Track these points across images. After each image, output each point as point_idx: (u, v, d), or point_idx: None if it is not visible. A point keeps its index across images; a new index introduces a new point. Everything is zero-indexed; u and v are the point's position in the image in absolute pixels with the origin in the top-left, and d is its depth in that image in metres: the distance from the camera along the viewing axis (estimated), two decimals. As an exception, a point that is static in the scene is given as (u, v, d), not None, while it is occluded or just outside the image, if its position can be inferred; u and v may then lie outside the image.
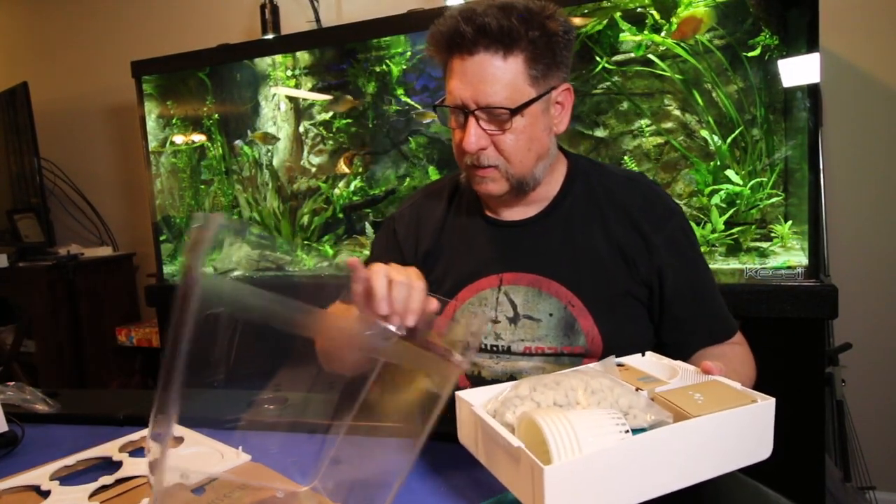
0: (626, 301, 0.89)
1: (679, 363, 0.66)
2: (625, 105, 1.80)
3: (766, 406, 0.54)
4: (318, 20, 2.26)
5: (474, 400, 0.58)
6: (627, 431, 0.48)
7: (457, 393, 0.59)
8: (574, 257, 0.89)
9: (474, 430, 0.56)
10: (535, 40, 0.79)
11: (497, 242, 0.93)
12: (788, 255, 1.58)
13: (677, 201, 1.72)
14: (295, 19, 2.32)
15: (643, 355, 0.69)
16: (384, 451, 0.55)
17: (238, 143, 2.37)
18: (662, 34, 1.68)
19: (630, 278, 0.89)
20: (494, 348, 0.90)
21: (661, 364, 0.67)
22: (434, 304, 0.65)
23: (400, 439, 0.70)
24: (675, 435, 0.50)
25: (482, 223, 0.95)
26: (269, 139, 2.31)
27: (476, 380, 0.92)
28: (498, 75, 0.79)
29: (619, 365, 0.68)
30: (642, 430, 0.51)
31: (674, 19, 1.65)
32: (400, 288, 0.64)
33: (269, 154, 2.35)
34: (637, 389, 0.58)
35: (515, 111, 0.81)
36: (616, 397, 0.54)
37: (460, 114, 0.83)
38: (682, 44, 1.67)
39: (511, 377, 0.90)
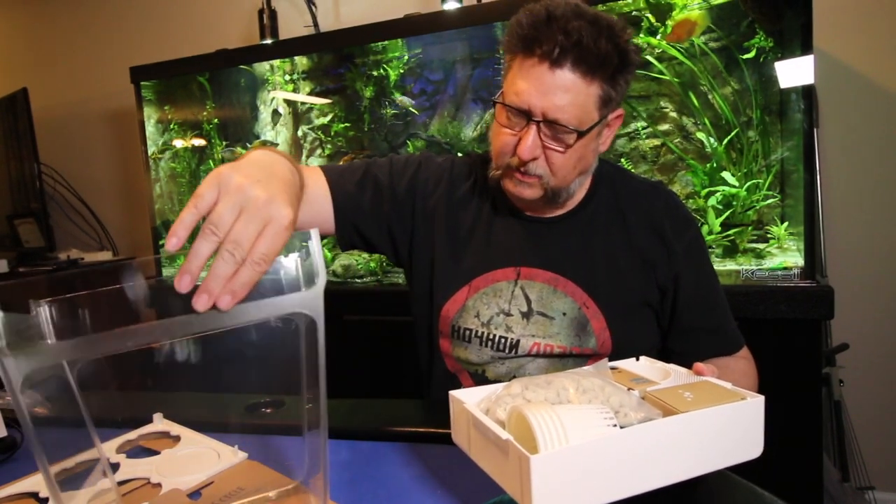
0: (640, 308, 0.90)
1: (672, 366, 0.67)
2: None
3: (755, 403, 0.54)
4: (316, 25, 2.27)
5: (467, 398, 0.59)
6: (615, 426, 0.48)
7: (450, 392, 0.60)
8: (593, 261, 0.90)
9: (466, 427, 0.57)
10: (617, 70, 0.78)
11: (518, 235, 0.93)
12: (785, 256, 1.59)
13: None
14: (293, 24, 2.33)
15: (637, 360, 0.70)
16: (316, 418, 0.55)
17: (226, 152, 2.38)
18: (658, 37, 1.68)
19: (647, 284, 0.89)
20: (503, 340, 0.89)
21: (654, 367, 0.67)
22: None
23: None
24: (662, 429, 0.50)
25: (505, 212, 0.95)
26: (269, 148, 2.32)
27: (480, 379, 0.92)
28: (574, 94, 0.77)
29: (613, 368, 0.68)
30: None
31: (669, 22, 1.66)
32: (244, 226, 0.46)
33: (268, 158, 2.36)
34: (629, 389, 0.58)
35: (582, 134, 0.79)
36: (607, 396, 0.54)
37: (521, 117, 0.80)
38: (678, 46, 1.67)
39: (514, 379, 0.90)
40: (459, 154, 2.01)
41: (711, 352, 0.91)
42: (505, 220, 0.94)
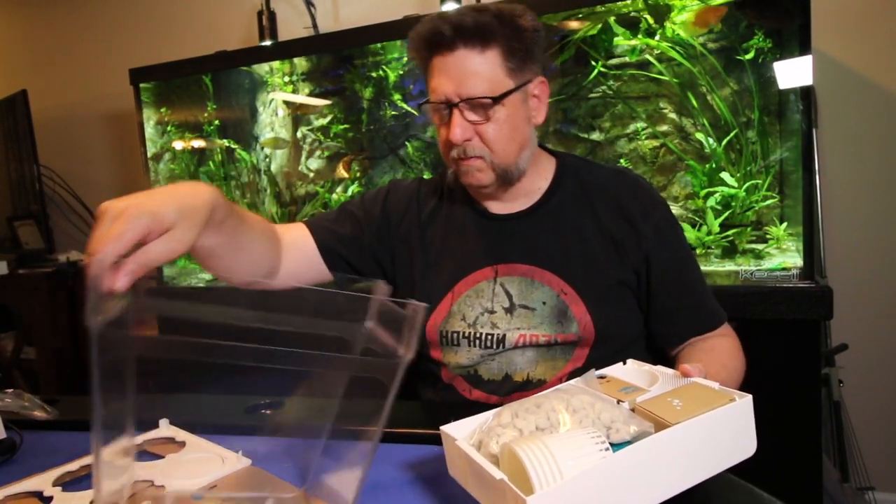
0: (617, 290, 0.92)
1: (659, 368, 0.67)
2: (620, 108, 1.81)
3: (743, 404, 0.54)
4: (315, 26, 2.27)
5: (458, 433, 0.58)
6: (608, 449, 0.48)
7: (441, 428, 0.60)
8: (565, 248, 0.92)
9: (461, 463, 0.56)
10: (509, 35, 0.85)
11: (490, 235, 0.96)
12: (784, 256, 1.59)
13: (671, 202, 1.74)
14: (292, 25, 2.33)
15: (624, 363, 0.70)
16: (364, 451, 0.56)
17: (207, 141, 2.39)
18: (657, 38, 1.69)
19: (620, 267, 0.92)
20: (490, 337, 0.92)
21: (642, 371, 0.67)
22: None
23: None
24: (654, 446, 0.50)
25: (474, 216, 0.98)
26: (281, 143, 2.32)
27: (474, 379, 0.94)
28: (478, 68, 0.84)
29: (601, 377, 0.68)
30: (627, 443, 0.51)
31: (670, 19, 1.66)
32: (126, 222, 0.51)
33: (268, 160, 2.36)
34: (618, 402, 0.58)
35: (497, 100, 0.85)
36: (598, 413, 0.54)
37: (444, 109, 0.87)
38: (677, 48, 1.68)
39: (507, 375, 0.92)
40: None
41: (692, 330, 0.93)
42: (476, 224, 0.97)
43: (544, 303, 0.90)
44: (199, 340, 0.45)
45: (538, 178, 0.96)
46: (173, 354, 0.46)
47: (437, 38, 0.85)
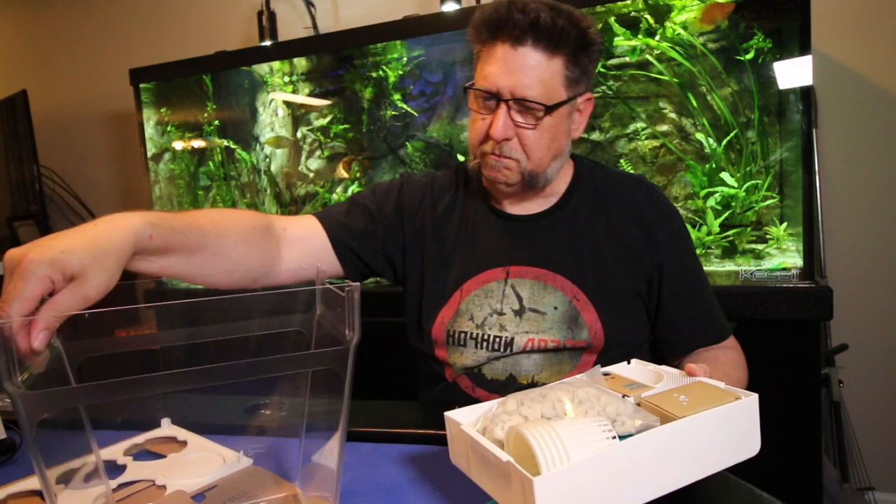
0: (628, 298, 0.92)
1: (664, 368, 0.67)
2: (620, 108, 1.81)
3: (749, 402, 0.54)
4: (315, 27, 2.28)
5: (462, 419, 0.58)
6: (614, 438, 0.48)
7: (445, 414, 0.59)
8: (579, 253, 0.91)
9: (465, 449, 0.56)
10: (577, 46, 0.82)
11: (504, 235, 0.94)
12: (784, 256, 1.59)
13: (673, 204, 1.74)
14: (292, 26, 2.33)
15: (629, 363, 0.70)
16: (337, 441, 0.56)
17: (207, 139, 2.39)
18: (657, 38, 1.69)
19: (633, 275, 0.91)
20: (498, 339, 0.91)
21: (647, 370, 0.68)
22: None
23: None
24: (661, 437, 0.50)
25: (489, 215, 0.96)
26: (283, 142, 2.32)
27: (477, 378, 0.93)
28: (539, 71, 0.81)
29: (606, 374, 0.68)
30: (630, 435, 0.51)
31: (670, 19, 1.66)
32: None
33: (268, 160, 2.36)
34: (624, 396, 0.58)
35: (550, 109, 0.83)
36: (603, 405, 0.54)
37: (491, 100, 0.84)
38: (677, 48, 1.68)
39: (511, 376, 0.91)
40: (460, 158, 2.01)
41: (698, 340, 0.92)
42: (490, 222, 0.96)
43: (556, 308, 0.89)
44: (145, 376, 0.43)
45: (557, 182, 0.95)
46: (122, 395, 0.43)
47: (507, 26, 0.80)
